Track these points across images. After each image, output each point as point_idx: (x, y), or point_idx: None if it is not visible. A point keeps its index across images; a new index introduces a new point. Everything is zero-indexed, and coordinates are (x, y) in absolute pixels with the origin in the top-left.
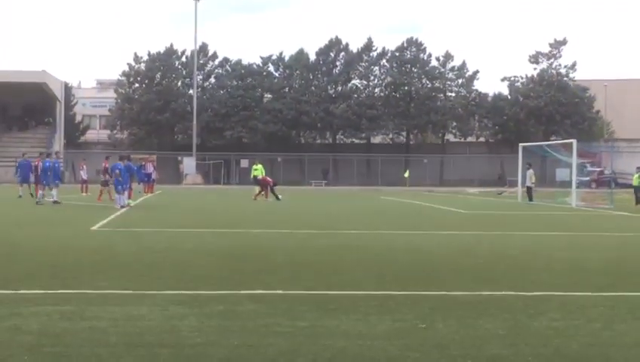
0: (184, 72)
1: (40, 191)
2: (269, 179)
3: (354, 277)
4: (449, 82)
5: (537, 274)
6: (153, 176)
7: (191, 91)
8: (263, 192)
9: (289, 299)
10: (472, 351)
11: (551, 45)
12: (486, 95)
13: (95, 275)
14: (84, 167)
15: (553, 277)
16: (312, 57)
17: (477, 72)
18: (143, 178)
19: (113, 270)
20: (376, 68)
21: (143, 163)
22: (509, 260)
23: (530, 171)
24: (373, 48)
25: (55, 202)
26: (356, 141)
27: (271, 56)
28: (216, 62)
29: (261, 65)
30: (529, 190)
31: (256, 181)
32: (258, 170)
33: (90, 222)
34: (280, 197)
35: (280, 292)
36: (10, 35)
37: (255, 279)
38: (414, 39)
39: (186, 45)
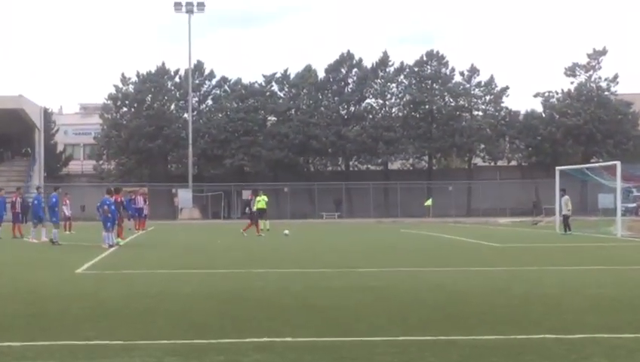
0: (178, 94)
1: (55, 230)
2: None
3: (372, 322)
4: (475, 99)
5: (580, 315)
6: (145, 211)
7: (186, 115)
8: (252, 225)
9: (298, 348)
10: None
11: (589, 56)
12: (517, 113)
13: (81, 324)
14: (68, 201)
15: (598, 317)
16: (321, 74)
17: (506, 87)
18: (133, 213)
19: (101, 318)
20: (394, 85)
21: (133, 196)
22: (547, 299)
23: (566, 198)
24: (390, 63)
25: (53, 242)
26: (372, 167)
27: (275, 74)
28: (214, 81)
29: (264, 84)
30: (565, 219)
31: (260, 214)
32: (262, 202)
33: (75, 264)
34: (260, 234)
35: (288, 339)
36: None
37: (260, 325)
38: (435, 52)
39: (179, 64)
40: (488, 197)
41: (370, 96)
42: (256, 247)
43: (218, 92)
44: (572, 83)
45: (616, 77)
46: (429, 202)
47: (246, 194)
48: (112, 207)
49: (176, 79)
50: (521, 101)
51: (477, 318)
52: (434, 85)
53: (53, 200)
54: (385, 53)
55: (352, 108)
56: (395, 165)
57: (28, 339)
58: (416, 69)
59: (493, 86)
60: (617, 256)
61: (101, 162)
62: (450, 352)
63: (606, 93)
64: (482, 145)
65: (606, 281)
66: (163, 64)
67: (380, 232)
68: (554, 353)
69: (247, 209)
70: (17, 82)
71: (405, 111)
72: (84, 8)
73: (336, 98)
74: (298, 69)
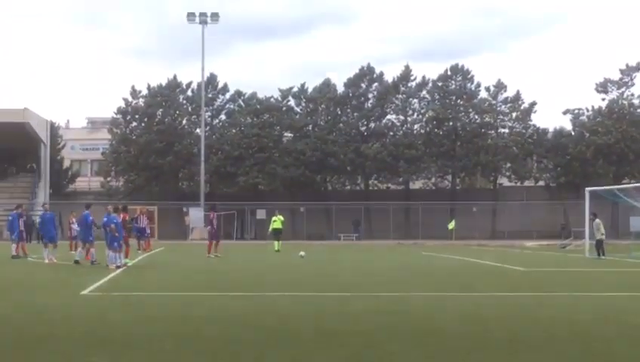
0: (190, 109)
1: (92, 249)
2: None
3: (392, 350)
4: (501, 116)
5: (609, 344)
6: (147, 231)
7: (198, 130)
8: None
9: None
10: None
11: (622, 72)
12: (545, 131)
13: (86, 349)
14: (74, 220)
15: (631, 347)
16: (340, 89)
17: (534, 103)
18: (135, 233)
19: (107, 342)
20: (415, 100)
21: (136, 215)
22: (575, 326)
23: (597, 221)
24: (412, 77)
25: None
26: (392, 187)
27: (291, 88)
28: (227, 96)
29: (280, 98)
30: (599, 243)
31: (275, 235)
32: (278, 222)
33: (81, 286)
34: (217, 255)
35: None
36: None
37: (275, 352)
38: (460, 66)
39: (191, 77)
40: (514, 219)
41: (391, 112)
42: (270, 270)
43: (232, 106)
44: (603, 100)
45: None
46: (452, 224)
47: (260, 214)
48: (119, 226)
49: (189, 93)
50: (550, 118)
51: (501, 346)
52: (458, 101)
53: (90, 218)
54: (407, 67)
55: (372, 125)
56: (416, 184)
57: None
58: (439, 84)
59: (520, 102)
60: None
61: (109, 179)
62: None
63: (639, 110)
64: (508, 165)
65: (637, 309)
66: (175, 77)
67: (401, 255)
68: None
69: (210, 227)
70: (23, 95)
71: (428, 128)
72: (92, 18)
73: (355, 114)
74: (316, 83)
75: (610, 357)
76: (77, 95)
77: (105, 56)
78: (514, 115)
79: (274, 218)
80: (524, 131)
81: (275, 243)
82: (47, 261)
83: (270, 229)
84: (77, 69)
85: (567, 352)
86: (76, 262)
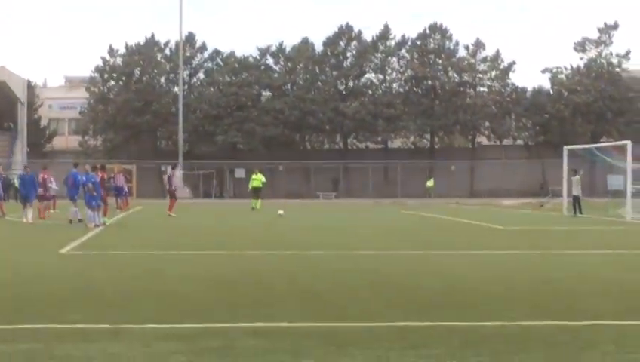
0: (168, 67)
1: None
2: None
3: (370, 307)
4: (480, 75)
5: (587, 301)
6: (125, 189)
7: (176, 89)
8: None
9: (294, 333)
10: None
11: (600, 30)
12: (524, 90)
13: (66, 307)
14: (52, 179)
15: (606, 303)
16: (319, 48)
17: (513, 62)
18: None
19: (87, 301)
20: (395, 59)
21: (112, 174)
22: (553, 284)
23: (577, 178)
24: (391, 36)
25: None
26: (371, 145)
27: (270, 47)
28: (206, 54)
29: (258, 57)
30: (576, 200)
31: (255, 193)
32: (257, 180)
33: (60, 245)
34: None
35: (284, 324)
36: None
37: (254, 310)
38: (438, 25)
39: (169, 36)
40: (493, 178)
41: (370, 71)
42: (248, 228)
43: (210, 65)
44: (582, 59)
45: (628, 52)
46: (430, 183)
47: (239, 173)
48: (97, 185)
49: (167, 51)
50: (529, 77)
51: (479, 304)
52: (437, 60)
53: (79, 177)
54: (386, 26)
55: (351, 84)
56: (395, 143)
57: (11, 323)
58: (418, 43)
59: (499, 61)
60: (626, 240)
61: (87, 138)
62: (451, 339)
63: (617, 69)
64: (487, 123)
65: (613, 266)
66: (152, 35)
67: (379, 213)
68: (559, 340)
69: (168, 186)
70: None
71: (407, 87)
72: None
73: (334, 72)
74: (294, 42)
75: (587, 313)
76: (54, 54)
77: (82, 14)
78: (493, 73)
79: (253, 176)
80: (502, 90)
81: (254, 201)
82: (29, 220)
83: (250, 187)
84: (54, 27)
85: (547, 308)
86: (79, 220)
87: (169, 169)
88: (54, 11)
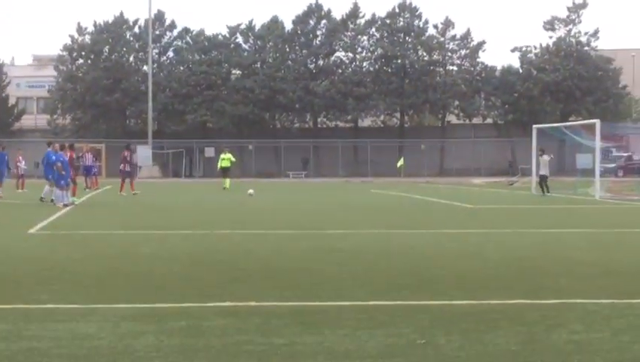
0: (137, 45)
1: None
2: (126, 168)
3: (340, 286)
4: (450, 54)
5: (555, 279)
6: (95, 169)
7: (145, 68)
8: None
9: (263, 312)
10: None
11: (569, 9)
12: (494, 69)
13: (34, 287)
14: (21, 158)
15: (574, 282)
16: (289, 26)
17: (483, 42)
18: (82, 171)
19: (56, 280)
20: (364, 38)
21: (81, 153)
22: (522, 263)
23: (546, 157)
24: (360, 15)
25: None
26: (341, 124)
27: (239, 25)
28: (175, 32)
29: (228, 36)
30: (543, 179)
31: (224, 173)
32: (226, 160)
33: (28, 224)
34: (122, 194)
35: (253, 304)
36: None
37: (223, 289)
38: (408, 3)
39: (138, 14)
40: (462, 157)
41: (340, 50)
42: (219, 207)
43: (180, 43)
44: (551, 37)
45: (596, 31)
46: (400, 162)
47: (209, 152)
48: (66, 164)
49: (136, 29)
50: (498, 56)
51: (448, 282)
52: (407, 38)
53: (53, 157)
54: (355, 5)
55: (321, 62)
56: (365, 122)
57: None
58: (388, 21)
59: (468, 40)
60: (594, 219)
61: (55, 116)
62: (421, 318)
63: (586, 48)
64: (456, 102)
65: (582, 245)
66: (121, 13)
67: (349, 192)
68: (528, 318)
69: (122, 165)
70: None
71: (376, 66)
72: None
73: (304, 51)
74: (264, 20)
75: (556, 292)
76: (22, 32)
77: None
78: (462, 52)
79: (222, 156)
80: (472, 69)
81: (224, 180)
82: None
83: (219, 167)
84: (22, 5)
85: (516, 286)
86: (51, 201)
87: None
88: None
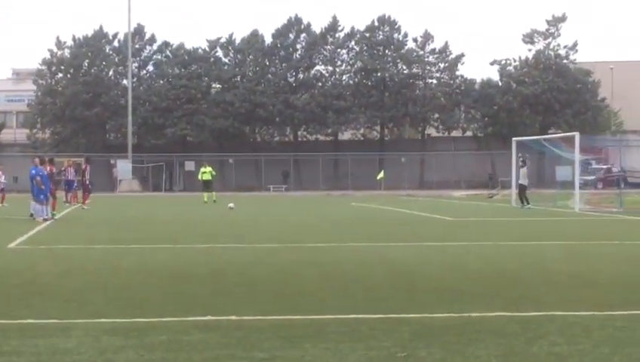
0: (117, 59)
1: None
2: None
3: (320, 299)
4: (429, 67)
5: (536, 291)
6: (75, 184)
7: (125, 81)
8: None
9: (244, 326)
10: None
11: (548, 22)
12: (473, 81)
13: (13, 302)
14: (1, 173)
15: (554, 294)
16: (268, 40)
17: (462, 55)
18: (63, 185)
19: (35, 296)
20: (344, 51)
21: (63, 168)
22: (502, 275)
23: (525, 169)
24: (339, 28)
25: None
26: (321, 138)
27: (219, 39)
28: (155, 46)
29: (208, 49)
30: (522, 190)
31: (206, 186)
32: (207, 173)
33: (8, 239)
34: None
35: (233, 318)
36: None
37: (204, 303)
38: (387, 17)
39: (118, 27)
40: (442, 170)
41: (320, 63)
42: (199, 222)
43: (159, 57)
44: (530, 50)
45: (575, 44)
46: (381, 175)
47: (189, 165)
48: (45, 178)
49: (115, 43)
50: (477, 69)
51: (429, 295)
52: (386, 52)
53: (41, 173)
54: (334, 18)
55: (301, 76)
56: (345, 135)
57: None
58: (367, 35)
59: (447, 53)
60: (574, 231)
61: (35, 131)
62: (402, 331)
63: (565, 61)
64: (436, 115)
65: (562, 257)
66: (101, 27)
67: (329, 205)
68: (509, 331)
69: (82, 178)
70: None
71: (356, 79)
72: None
73: (283, 65)
74: (244, 34)
75: (537, 304)
76: (1, 46)
77: (29, 4)
78: (441, 65)
79: (202, 169)
80: (451, 82)
81: (205, 194)
82: None
83: (201, 180)
84: (1, 19)
85: (497, 299)
86: (31, 215)
87: (83, 162)
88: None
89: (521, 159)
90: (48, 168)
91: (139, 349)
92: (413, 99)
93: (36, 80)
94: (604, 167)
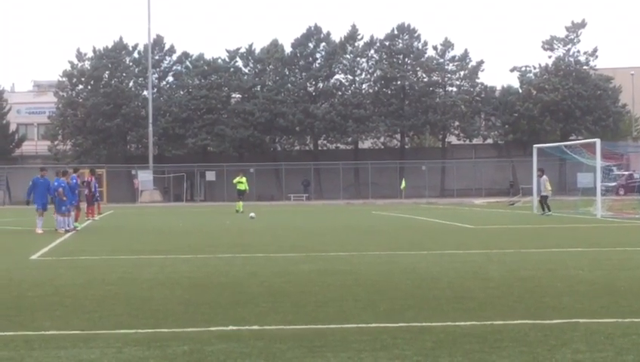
0: (137, 71)
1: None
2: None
3: (342, 309)
4: (449, 75)
5: (558, 299)
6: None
7: (145, 92)
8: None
9: (266, 336)
10: None
11: (568, 29)
12: (493, 89)
13: (36, 314)
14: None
15: (577, 301)
16: (288, 49)
17: (482, 62)
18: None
19: (57, 307)
20: (363, 60)
21: (86, 179)
22: (524, 283)
23: (545, 178)
24: (359, 37)
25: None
26: (342, 147)
27: (239, 49)
28: (174, 57)
29: (227, 60)
30: (544, 199)
31: (239, 195)
32: (243, 184)
33: (30, 250)
34: (93, 219)
35: (255, 328)
36: None
37: (226, 313)
38: (406, 25)
39: (137, 39)
40: (463, 177)
41: (339, 72)
42: (220, 231)
43: (179, 68)
44: (550, 57)
45: (595, 50)
46: (403, 184)
47: (210, 176)
48: (67, 190)
49: (135, 55)
50: (497, 76)
51: (451, 303)
52: (406, 60)
53: (63, 185)
54: (354, 27)
55: (321, 85)
56: (365, 144)
57: None
58: (387, 43)
59: (467, 60)
60: (596, 238)
61: (56, 142)
62: (424, 339)
63: (585, 67)
64: (457, 123)
65: (584, 264)
66: (121, 39)
67: (350, 214)
68: (531, 339)
69: (87, 191)
70: None
71: (376, 88)
72: None
73: (303, 74)
74: (263, 44)
75: (559, 312)
76: (22, 58)
77: (50, 18)
78: (461, 73)
79: (238, 179)
80: (471, 89)
81: (238, 203)
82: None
83: (237, 190)
84: (22, 32)
85: (519, 306)
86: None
87: (87, 174)
88: (22, 16)
89: (538, 169)
90: (87, 177)
91: (161, 360)
92: (434, 107)
93: (57, 92)
94: (626, 173)
